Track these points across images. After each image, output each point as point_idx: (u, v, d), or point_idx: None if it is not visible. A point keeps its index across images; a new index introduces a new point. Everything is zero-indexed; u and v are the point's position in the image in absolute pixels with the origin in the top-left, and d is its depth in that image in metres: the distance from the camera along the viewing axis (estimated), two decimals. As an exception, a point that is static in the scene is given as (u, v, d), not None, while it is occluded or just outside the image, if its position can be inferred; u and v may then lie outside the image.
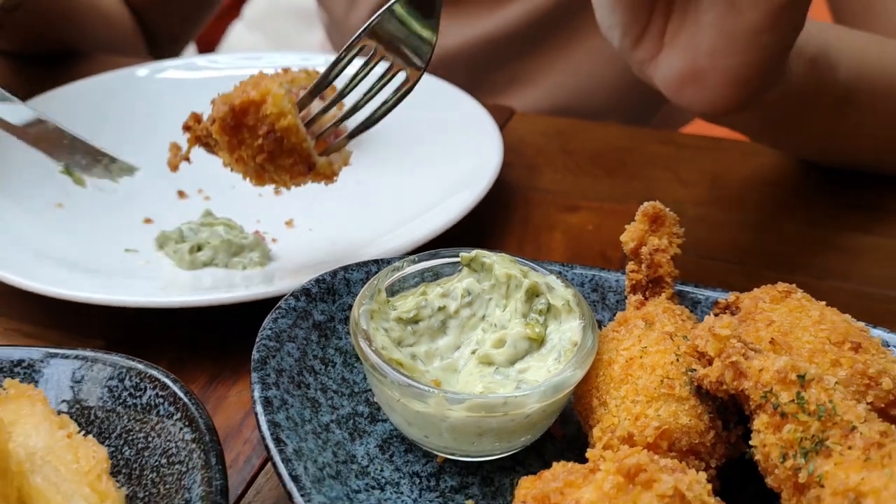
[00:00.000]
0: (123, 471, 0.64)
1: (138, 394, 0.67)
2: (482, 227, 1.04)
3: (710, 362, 0.61)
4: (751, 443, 0.58)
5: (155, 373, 0.67)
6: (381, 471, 0.68)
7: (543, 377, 0.66)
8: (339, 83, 0.83)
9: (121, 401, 0.67)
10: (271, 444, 0.62)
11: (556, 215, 1.08)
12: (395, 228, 0.98)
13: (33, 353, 0.71)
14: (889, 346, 0.69)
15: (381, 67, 0.81)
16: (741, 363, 0.59)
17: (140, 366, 0.68)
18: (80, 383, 0.69)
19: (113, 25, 1.62)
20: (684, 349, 0.65)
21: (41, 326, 0.89)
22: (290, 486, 0.59)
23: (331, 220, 1.06)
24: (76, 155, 0.93)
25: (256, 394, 0.66)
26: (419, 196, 1.05)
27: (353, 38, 0.79)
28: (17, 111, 0.90)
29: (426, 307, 0.72)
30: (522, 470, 0.68)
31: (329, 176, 0.86)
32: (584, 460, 0.57)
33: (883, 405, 0.60)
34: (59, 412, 0.67)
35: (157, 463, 0.63)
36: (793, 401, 0.56)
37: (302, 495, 0.59)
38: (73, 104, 1.22)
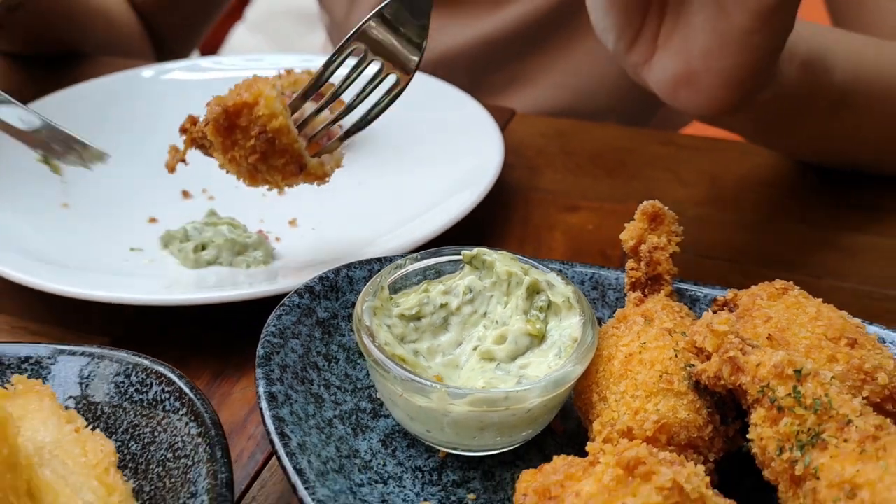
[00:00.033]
0: (130, 465, 0.65)
1: (144, 389, 0.68)
2: (483, 227, 1.05)
3: (708, 358, 0.62)
4: (748, 436, 0.59)
5: (161, 369, 0.68)
6: (384, 465, 0.69)
7: (544, 373, 0.67)
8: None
9: (127, 396, 0.68)
10: (276, 438, 0.63)
11: (556, 215, 1.09)
12: (397, 228, 0.99)
13: (41, 349, 0.72)
14: (885, 342, 0.69)
15: (373, 69, 0.82)
16: (739, 358, 0.59)
17: (146, 362, 0.69)
18: (87, 379, 0.70)
19: (115, 27, 1.62)
20: (683, 345, 0.66)
21: (48, 324, 0.90)
22: (295, 479, 0.60)
23: (333, 220, 1.07)
24: (52, 143, 0.92)
25: (261, 389, 0.67)
26: (420, 196, 1.06)
27: (344, 40, 0.80)
28: None
29: (428, 304, 0.73)
30: (523, 464, 0.69)
31: (321, 176, 0.87)
32: (584, 455, 0.57)
33: (878, 400, 0.61)
34: (67, 407, 0.67)
35: (163, 457, 0.64)
36: (789, 395, 0.56)
37: (306, 488, 0.59)
38: (79, 105, 1.24)
